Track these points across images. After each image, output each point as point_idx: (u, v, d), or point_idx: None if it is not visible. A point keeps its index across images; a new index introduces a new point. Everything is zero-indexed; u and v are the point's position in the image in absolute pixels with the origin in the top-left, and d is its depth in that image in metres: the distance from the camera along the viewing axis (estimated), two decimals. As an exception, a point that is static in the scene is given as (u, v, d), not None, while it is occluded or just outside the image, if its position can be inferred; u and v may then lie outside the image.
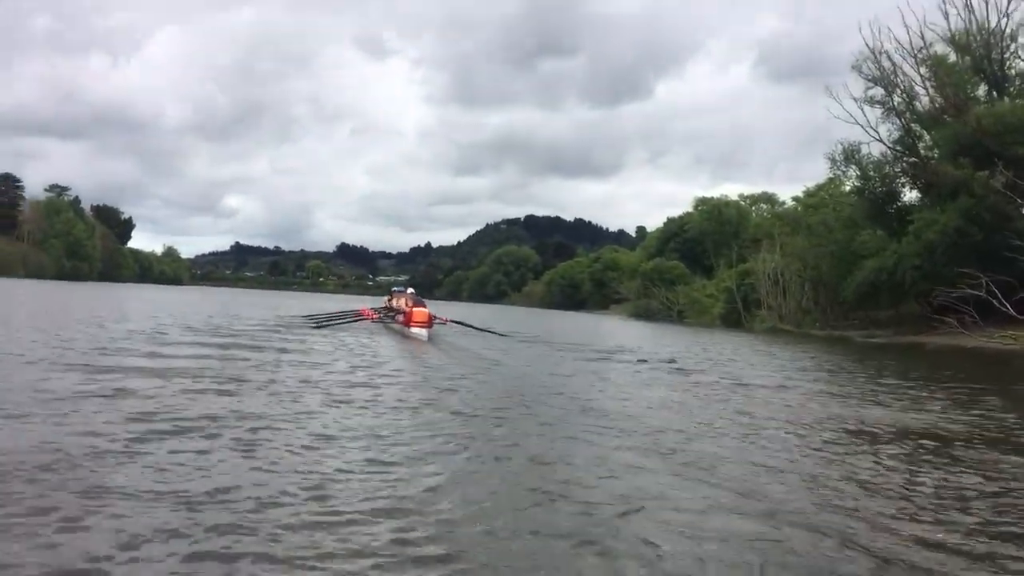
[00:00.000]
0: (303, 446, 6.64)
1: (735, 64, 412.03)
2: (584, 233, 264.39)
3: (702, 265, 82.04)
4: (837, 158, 44.08)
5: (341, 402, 9.34)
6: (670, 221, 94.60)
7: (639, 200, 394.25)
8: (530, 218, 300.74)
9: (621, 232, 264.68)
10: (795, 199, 62.76)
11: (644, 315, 75.25)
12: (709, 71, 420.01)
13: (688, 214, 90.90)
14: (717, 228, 79.40)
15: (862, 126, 43.42)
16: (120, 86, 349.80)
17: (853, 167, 43.94)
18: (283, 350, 16.25)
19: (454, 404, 9.71)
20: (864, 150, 43.76)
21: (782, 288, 53.15)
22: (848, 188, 47.99)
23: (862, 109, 43.49)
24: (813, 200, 57.78)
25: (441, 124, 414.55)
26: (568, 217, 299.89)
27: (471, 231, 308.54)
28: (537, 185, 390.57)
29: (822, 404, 11.71)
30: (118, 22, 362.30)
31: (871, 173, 43.72)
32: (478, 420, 8.63)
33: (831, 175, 47.28)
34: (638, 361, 18.53)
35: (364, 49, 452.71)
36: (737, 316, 57.86)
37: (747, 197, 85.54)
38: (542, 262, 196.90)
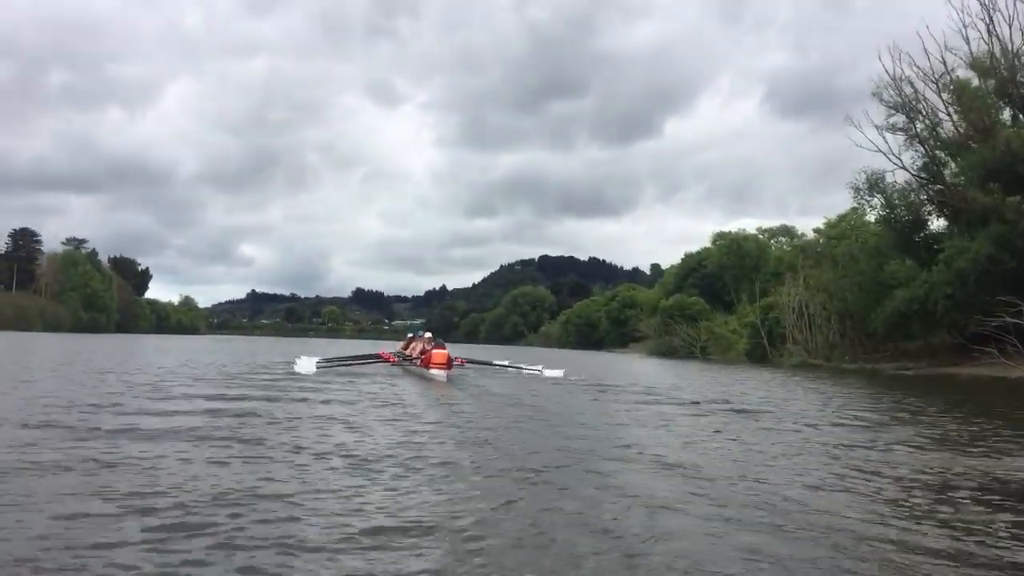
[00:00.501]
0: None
1: (744, 99, 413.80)
2: (598, 272, 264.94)
3: (722, 300, 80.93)
4: (861, 187, 43.24)
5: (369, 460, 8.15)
6: (688, 257, 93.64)
7: (652, 238, 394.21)
8: (544, 258, 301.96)
9: (635, 270, 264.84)
10: (816, 231, 61.72)
11: (666, 352, 74.14)
12: (718, 106, 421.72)
13: (706, 249, 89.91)
14: (737, 262, 78.26)
15: (884, 154, 42.63)
16: (135, 138, 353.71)
17: (878, 196, 42.99)
18: (305, 400, 15.06)
19: (497, 462, 8.48)
20: (888, 178, 42.94)
21: (807, 321, 52.05)
22: (872, 218, 46.98)
23: (884, 137, 42.75)
24: (835, 231, 56.80)
25: (452, 167, 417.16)
26: (582, 256, 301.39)
27: (485, 273, 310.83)
28: (550, 225, 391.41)
29: (917, 453, 10.50)
30: (133, 74, 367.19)
31: (896, 201, 42.81)
32: (537, 487, 7.13)
33: (855, 205, 46.14)
34: (692, 403, 17.20)
35: (374, 95, 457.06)
36: (762, 351, 56.68)
37: (765, 230, 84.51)
38: (557, 302, 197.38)
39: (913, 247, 42.57)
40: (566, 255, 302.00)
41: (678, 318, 74.98)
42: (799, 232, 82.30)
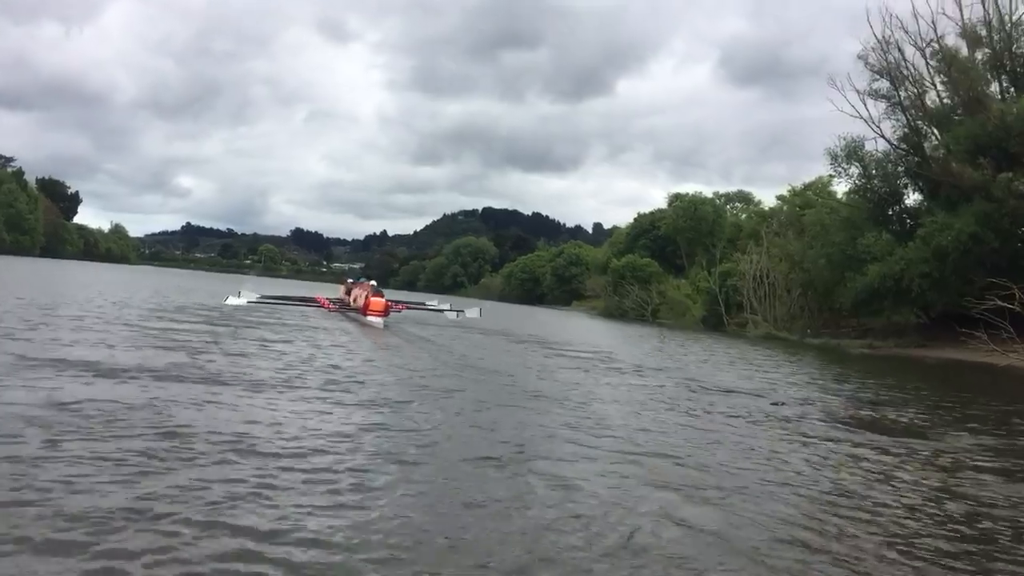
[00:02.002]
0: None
1: (697, 63, 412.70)
2: (541, 227, 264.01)
3: (673, 264, 79.30)
4: (839, 154, 41.32)
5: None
6: (641, 217, 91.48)
7: (597, 197, 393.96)
8: (487, 210, 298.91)
9: (578, 228, 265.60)
10: (780, 198, 60.00)
11: (615, 314, 72.37)
12: (671, 69, 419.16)
13: (660, 210, 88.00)
14: (692, 226, 76.29)
15: (865, 120, 40.79)
16: (72, 57, 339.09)
17: (855, 164, 41.16)
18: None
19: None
20: (869, 147, 41.16)
21: (766, 291, 50.53)
22: (845, 187, 45.26)
23: (865, 104, 40.93)
24: (799, 199, 55.31)
25: (401, 112, 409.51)
26: (526, 211, 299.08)
27: (428, 221, 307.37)
28: (495, 177, 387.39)
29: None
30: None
31: (873, 172, 41.12)
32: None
33: (831, 172, 44.04)
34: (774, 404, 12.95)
35: (325, 31, 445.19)
36: (718, 319, 55.18)
37: (722, 196, 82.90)
38: (500, 255, 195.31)
39: (887, 220, 41.06)
40: (510, 208, 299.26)
41: (630, 279, 73.03)
42: (756, 199, 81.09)
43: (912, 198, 42.37)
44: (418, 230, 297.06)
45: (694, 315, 57.88)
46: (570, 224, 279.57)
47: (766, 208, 69.72)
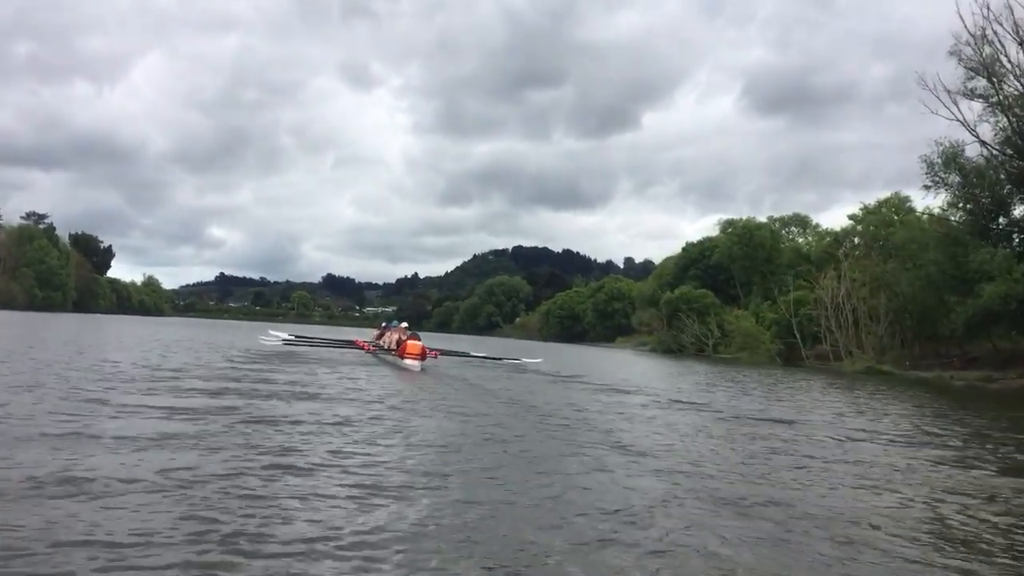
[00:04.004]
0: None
1: (721, 93, 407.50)
2: (572, 264, 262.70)
3: (727, 294, 75.02)
4: (935, 162, 37.14)
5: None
6: (689, 246, 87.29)
7: (626, 231, 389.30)
8: (517, 249, 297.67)
9: (609, 263, 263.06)
10: (852, 218, 55.37)
11: (672, 349, 68.20)
12: (695, 100, 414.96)
13: (709, 239, 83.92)
14: (747, 253, 72.04)
15: (961, 123, 36.71)
16: (103, 114, 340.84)
17: (954, 173, 36.93)
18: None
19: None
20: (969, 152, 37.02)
21: (845, 319, 46.19)
22: (937, 201, 40.60)
23: (956, 104, 36.90)
24: (874, 218, 50.98)
25: (427, 154, 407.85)
26: (556, 248, 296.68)
27: (458, 262, 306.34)
28: (524, 216, 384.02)
29: None
30: (102, 47, 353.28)
31: (973, 180, 36.90)
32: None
33: (926, 183, 39.01)
34: None
35: (349, 78, 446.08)
36: (792, 352, 50.81)
37: (776, 219, 78.42)
38: (533, 293, 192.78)
39: (993, 234, 36.79)
40: (540, 246, 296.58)
41: (686, 311, 68.80)
42: (813, 222, 76.60)
43: (1021, 209, 38.00)
44: (449, 271, 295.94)
45: (768, 349, 53.27)
46: (601, 260, 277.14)
47: (826, 230, 65.39)
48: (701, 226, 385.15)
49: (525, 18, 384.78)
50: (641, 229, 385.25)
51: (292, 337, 25.26)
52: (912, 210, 49.14)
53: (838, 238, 56.33)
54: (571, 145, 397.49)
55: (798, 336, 50.45)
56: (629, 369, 35.91)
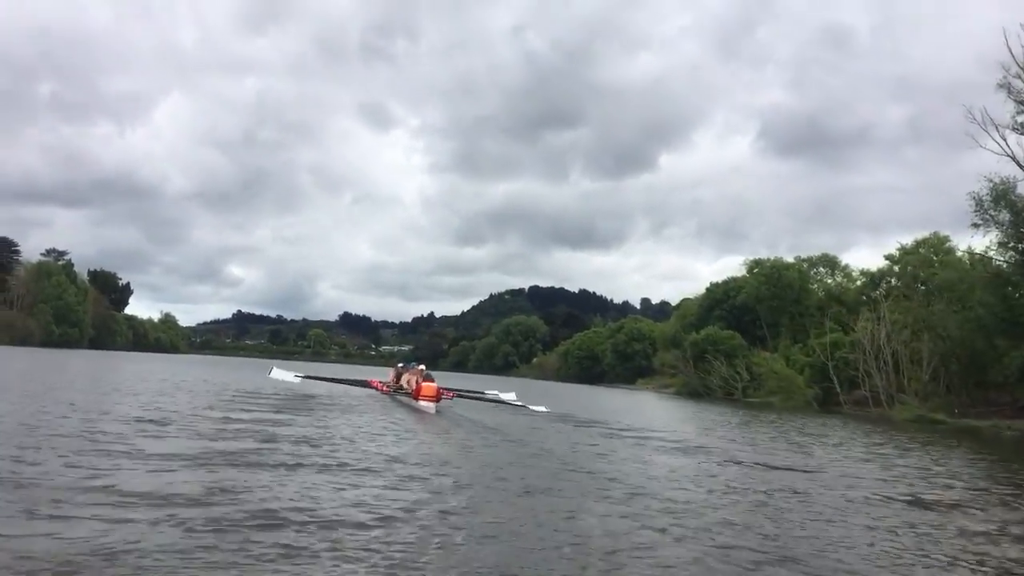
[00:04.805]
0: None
1: (738, 135, 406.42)
2: (589, 304, 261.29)
3: (753, 336, 73.24)
4: (984, 199, 35.59)
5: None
6: (713, 287, 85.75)
7: (642, 272, 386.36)
8: (534, 289, 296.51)
9: (626, 304, 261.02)
10: (888, 258, 53.59)
11: (698, 393, 66.35)
12: (712, 141, 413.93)
13: (734, 279, 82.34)
14: (775, 294, 70.40)
15: (1011, 158, 35.23)
16: (125, 153, 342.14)
17: (1004, 210, 35.33)
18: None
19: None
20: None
21: (883, 362, 44.38)
22: (988, 240, 38.61)
23: (1004, 139, 35.49)
24: (913, 258, 49.32)
25: (443, 193, 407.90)
26: (572, 288, 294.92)
27: (474, 301, 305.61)
28: (540, 256, 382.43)
29: None
30: (124, 88, 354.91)
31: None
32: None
33: (975, 221, 36.94)
34: None
35: (368, 118, 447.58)
36: (828, 397, 48.93)
37: (804, 260, 76.70)
38: (550, 333, 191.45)
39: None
40: (556, 286, 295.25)
41: (712, 353, 67.02)
42: (842, 263, 74.82)
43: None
44: (465, 311, 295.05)
45: (804, 393, 51.20)
46: (617, 300, 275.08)
47: (862, 270, 63.60)
48: (718, 267, 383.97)
49: (543, 59, 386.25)
50: (657, 270, 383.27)
51: (303, 376, 25.24)
52: (951, 250, 47.53)
53: (874, 279, 54.51)
54: (587, 186, 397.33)
55: (835, 380, 48.54)
56: (659, 414, 34.34)
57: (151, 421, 14.69)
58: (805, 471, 14.10)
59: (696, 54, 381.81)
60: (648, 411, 35.79)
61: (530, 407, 25.18)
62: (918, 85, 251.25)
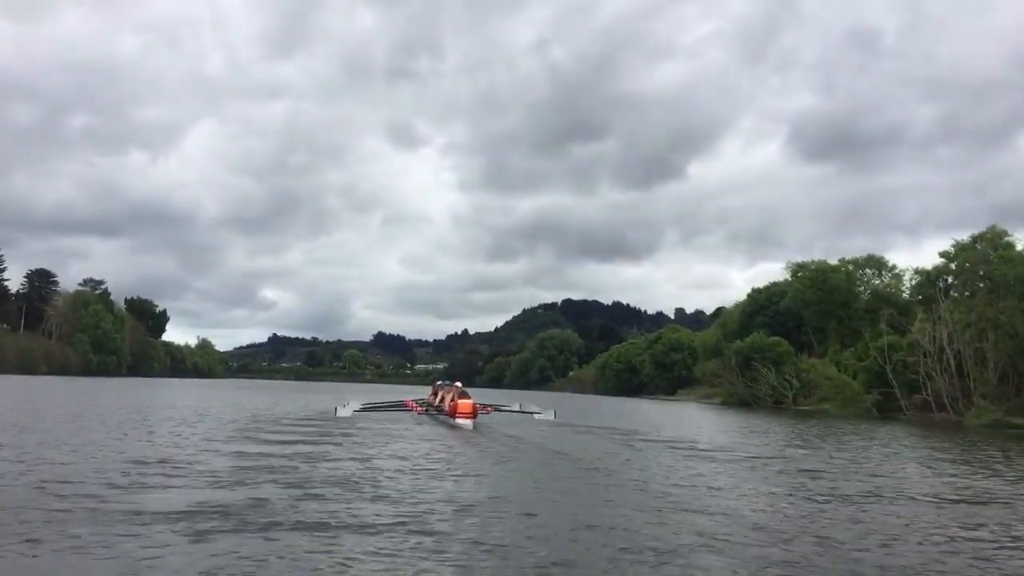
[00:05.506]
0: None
1: (767, 140, 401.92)
2: (622, 316, 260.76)
3: (797, 341, 71.20)
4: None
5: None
6: (755, 292, 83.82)
7: (674, 282, 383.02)
8: (567, 302, 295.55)
9: (660, 314, 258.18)
10: (944, 255, 51.34)
11: (745, 402, 64.45)
12: (740, 148, 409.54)
13: (776, 284, 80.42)
14: (821, 297, 68.35)
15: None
16: (158, 182, 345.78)
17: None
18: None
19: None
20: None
21: (946, 364, 42.45)
22: None
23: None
24: (971, 255, 47.25)
25: (473, 210, 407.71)
26: (605, 300, 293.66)
27: (507, 317, 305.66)
28: (571, 269, 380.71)
29: None
30: (155, 117, 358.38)
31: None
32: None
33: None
34: None
35: (395, 138, 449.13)
36: (888, 403, 46.96)
37: (849, 261, 74.42)
38: (585, 346, 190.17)
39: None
40: (589, 299, 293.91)
41: (759, 360, 65.09)
42: (890, 263, 72.45)
43: None
44: (498, 326, 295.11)
45: (862, 399, 49.17)
46: (651, 311, 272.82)
47: (916, 269, 61.43)
48: (751, 275, 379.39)
49: (567, 73, 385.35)
50: (689, 279, 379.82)
51: (360, 407, 26.44)
52: (1010, 244, 45.58)
53: (930, 277, 52.42)
54: (616, 197, 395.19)
55: (895, 385, 46.53)
56: (712, 427, 32.70)
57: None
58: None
59: (721, 61, 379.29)
60: (704, 424, 34.14)
61: (537, 415, 27.14)
62: (948, 84, 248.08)
